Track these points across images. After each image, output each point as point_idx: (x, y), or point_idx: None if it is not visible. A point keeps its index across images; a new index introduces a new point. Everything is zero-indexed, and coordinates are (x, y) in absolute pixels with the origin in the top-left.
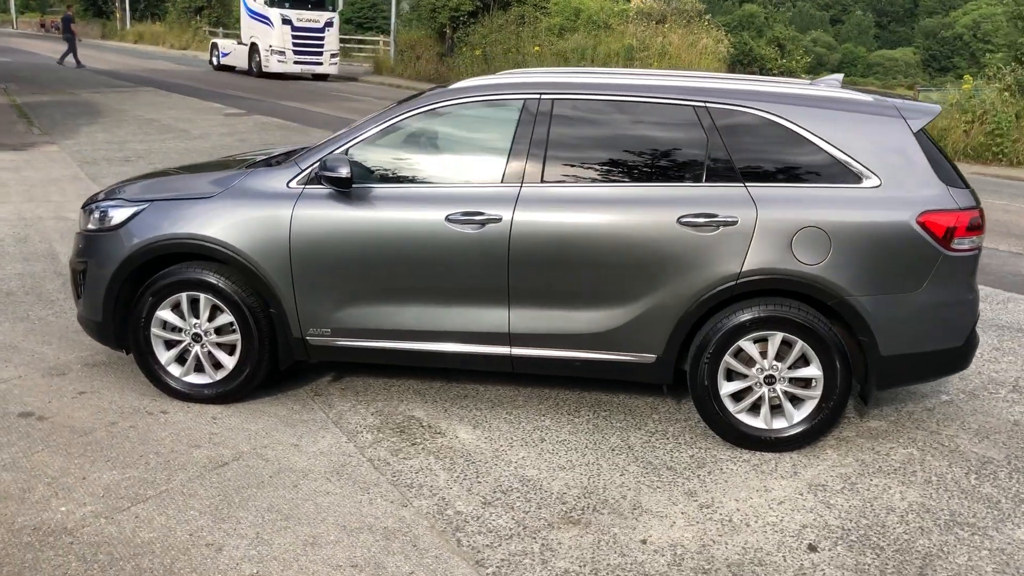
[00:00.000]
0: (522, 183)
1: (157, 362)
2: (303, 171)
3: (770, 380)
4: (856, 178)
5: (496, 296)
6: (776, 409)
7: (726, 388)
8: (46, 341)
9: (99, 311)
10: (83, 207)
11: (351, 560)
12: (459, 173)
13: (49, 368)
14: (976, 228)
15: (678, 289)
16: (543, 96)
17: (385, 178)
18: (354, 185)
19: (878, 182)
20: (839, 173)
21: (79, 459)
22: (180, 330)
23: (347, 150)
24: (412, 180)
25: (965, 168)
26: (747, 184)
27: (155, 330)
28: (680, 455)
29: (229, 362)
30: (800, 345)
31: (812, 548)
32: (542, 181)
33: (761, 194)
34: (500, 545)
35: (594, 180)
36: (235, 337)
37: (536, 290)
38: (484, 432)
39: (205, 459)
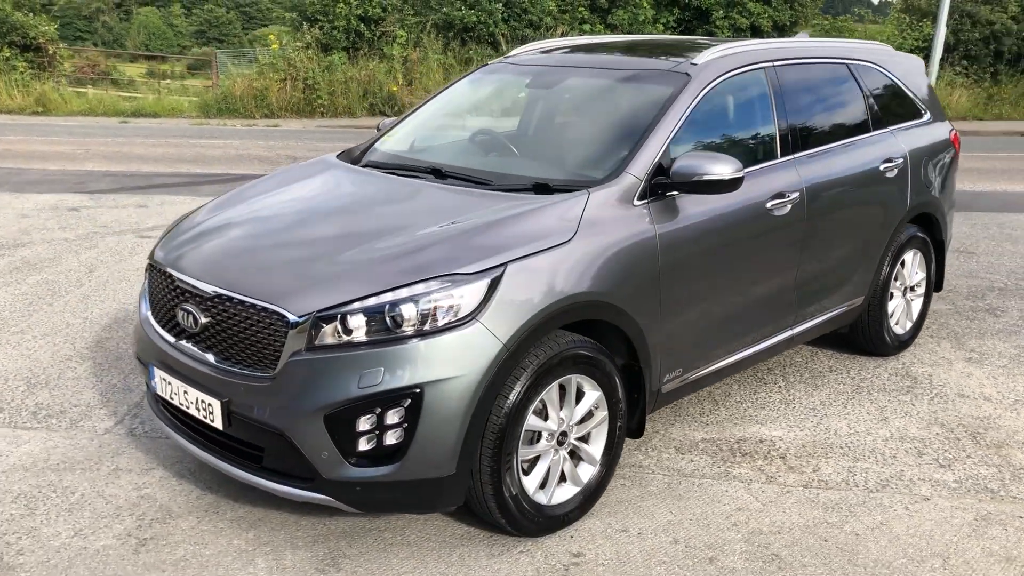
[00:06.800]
0: (793, 154)
1: (525, 496)
2: (642, 181)
3: (906, 291)
4: (921, 114)
5: (789, 276)
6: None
7: (888, 308)
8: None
9: (452, 459)
10: (318, 315)
11: None
12: (751, 154)
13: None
14: None
15: (883, 229)
16: (775, 65)
17: None
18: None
19: (929, 115)
20: (914, 111)
21: None
22: (539, 436)
23: (668, 147)
24: None
25: (295, 124)
26: (891, 129)
27: (522, 450)
28: (883, 378)
29: (594, 452)
30: (920, 256)
31: None
32: (802, 149)
33: (902, 136)
34: None
35: (822, 141)
36: (600, 417)
37: (813, 260)
38: (787, 425)
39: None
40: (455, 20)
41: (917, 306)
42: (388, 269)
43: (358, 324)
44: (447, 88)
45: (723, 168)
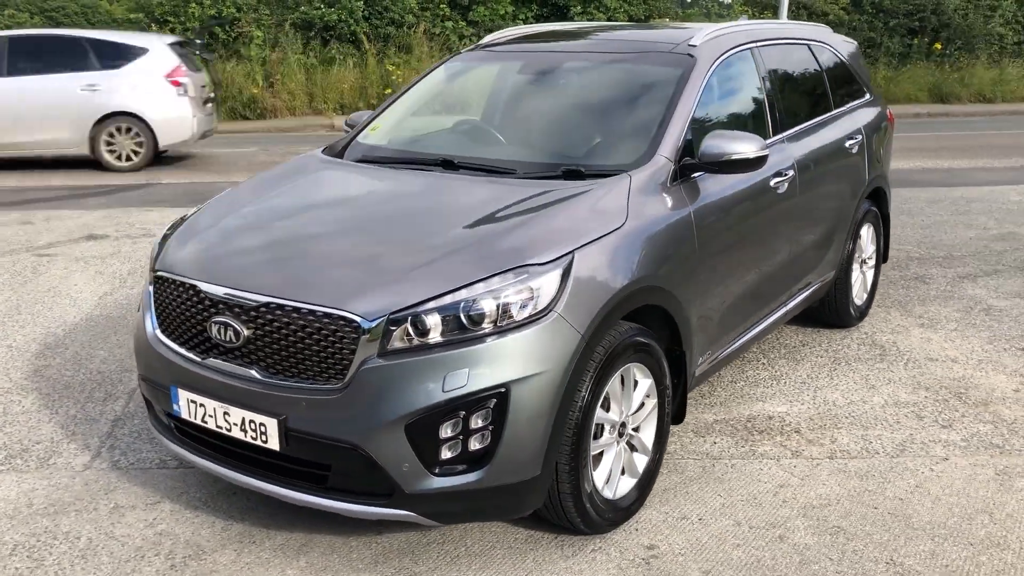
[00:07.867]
0: (782, 133)
1: (598, 492)
2: (673, 163)
3: (861, 263)
4: (864, 92)
5: (787, 253)
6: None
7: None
8: None
9: (538, 460)
10: (392, 317)
11: None
12: (754, 131)
13: None
14: None
15: (850, 204)
16: (758, 45)
17: None
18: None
19: (870, 96)
20: (859, 90)
21: None
22: (601, 430)
23: (689, 128)
24: None
25: None
26: (848, 106)
27: (593, 443)
28: (854, 348)
29: (647, 441)
30: (872, 229)
31: None
32: (788, 128)
33: (856, 114)
34: None
35: (802, 119)
36: (651, 404)
37: (803, 237)
38: (786, 400)
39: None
40: (315, 19)
41: (869, 277)
42: (457, 264)
43: (434, 323)
44: (421, 79)
45: (748, 147)
